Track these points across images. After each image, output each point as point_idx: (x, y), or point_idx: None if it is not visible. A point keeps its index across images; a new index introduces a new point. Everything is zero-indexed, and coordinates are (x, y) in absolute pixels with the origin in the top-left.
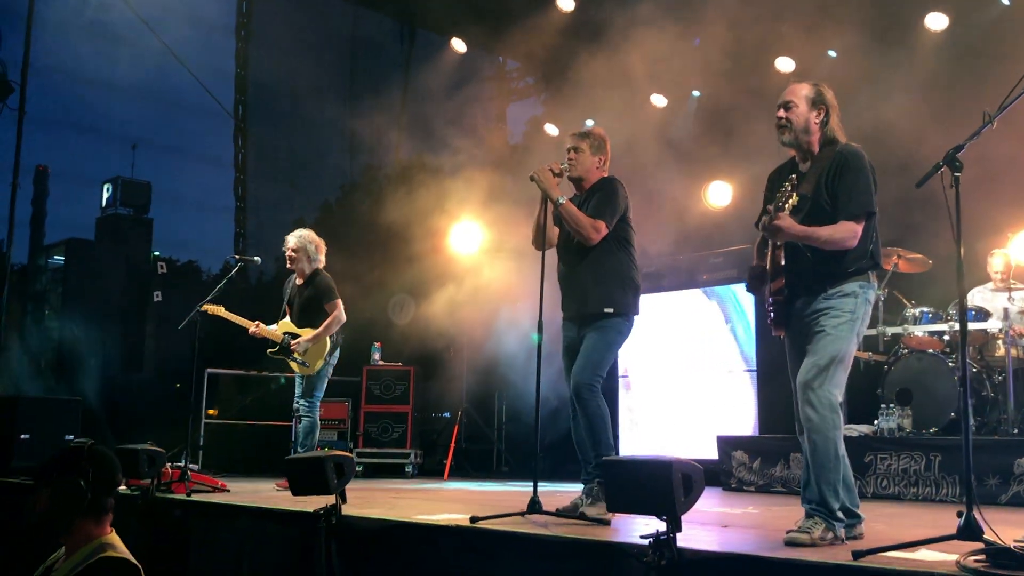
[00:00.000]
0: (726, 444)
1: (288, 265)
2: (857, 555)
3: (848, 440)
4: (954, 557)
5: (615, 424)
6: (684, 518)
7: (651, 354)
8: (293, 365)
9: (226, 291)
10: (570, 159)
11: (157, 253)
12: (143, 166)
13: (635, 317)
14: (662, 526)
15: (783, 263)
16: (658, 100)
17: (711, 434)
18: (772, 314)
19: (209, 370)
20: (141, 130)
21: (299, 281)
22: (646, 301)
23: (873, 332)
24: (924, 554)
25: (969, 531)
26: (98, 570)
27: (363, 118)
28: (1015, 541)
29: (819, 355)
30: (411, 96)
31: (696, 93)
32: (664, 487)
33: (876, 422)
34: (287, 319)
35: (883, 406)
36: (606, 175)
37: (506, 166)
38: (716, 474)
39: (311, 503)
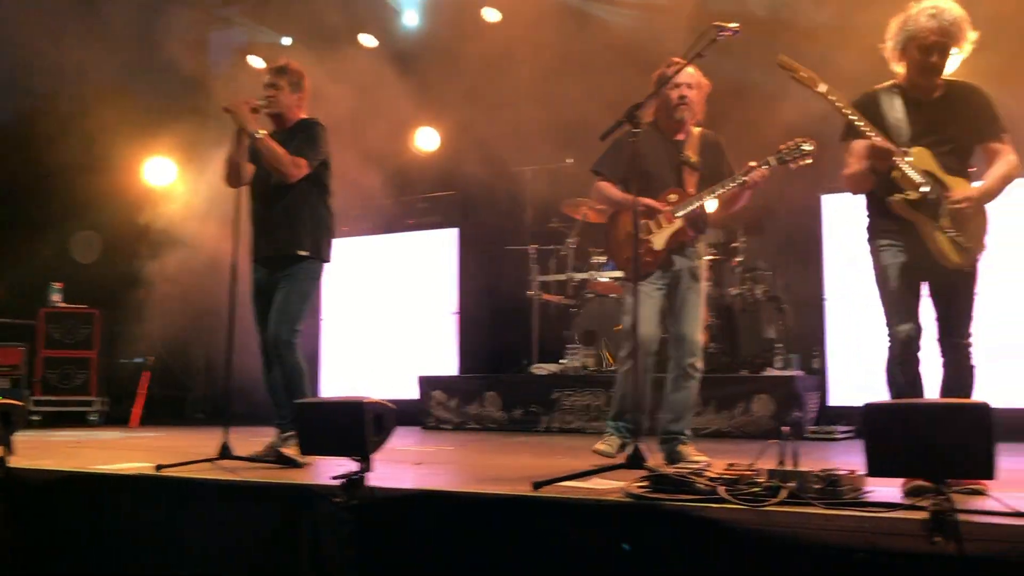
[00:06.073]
0: (426, 384)
1: None
2: (537, 485)
3: (536, 379)
4: (621, 484)
5: (317, 367)
6: (379, 458)
7: (356, 297)
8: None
9: None
10: (268, 96)
11: None
12: None
13: (326, 264)
14: (355, 466)
15: None
16: (367, 40)
17: (416, 375)
18: None
19: None
20: None
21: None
22: (352, 244)
23: (564, 277)
24: (596, 482)
25: (635, 460)
26: None
27: (42, 43)
28: (675, 468)
29: None
30: (99, 19)
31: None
32: (355, 428)
33: (562, 361)
34: None
35: (569, 346)
36: (306, 115)
37: (207, 98)
38: (417, 414)
39: None
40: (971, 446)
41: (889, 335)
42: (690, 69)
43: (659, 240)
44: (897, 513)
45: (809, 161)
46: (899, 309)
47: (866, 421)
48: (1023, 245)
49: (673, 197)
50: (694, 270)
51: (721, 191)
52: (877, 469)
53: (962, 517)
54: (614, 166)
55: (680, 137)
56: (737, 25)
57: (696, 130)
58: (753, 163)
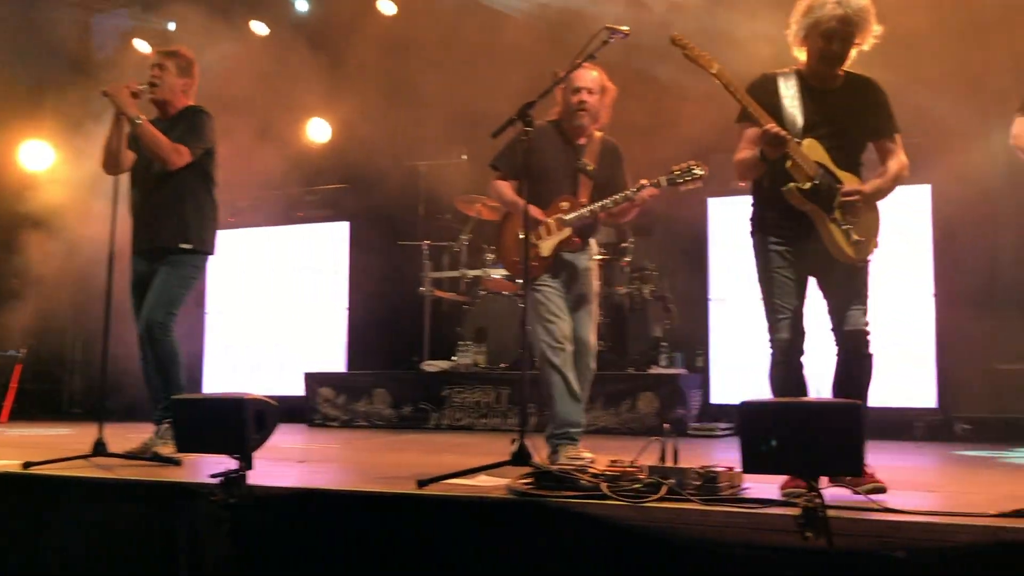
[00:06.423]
0: (313, 381)
1: None
2: (422, 483)
3: (427, 376)
4: (506, 481)
5: (200, 363)
6: (262, 456)
7: (242, 291)
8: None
9: None
10: (154, 76)
11: None
12: None
13: (210, 256)
14: (234, 464)
15: None
16: (258, 27)
17: (302, 371)
18: None
19: None
20: None
21: None
22: (239, 236)
23: (456, 274)
24: (482, 479)
25: (521, 457)
26: None
27: None
28: (559, 465)
29: None
30: None
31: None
32: (235, 425)
33: (453, 358)
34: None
35: (460, 343)
36: (192, 103)
37: (89, 81)
38: (303, 411)
39: None
40: (841, 444)
41: (771, 341)
42: (593, 73)
43: (546, 247)
44: (771, 509)
45: (700, 185)
46: (781, 317)
47: (742, 419)
48: (905, 249)
49: (565, 204)
50: (585, 273)
51: (610, 206)
52: (752, 466)
53: (832, 513)
54: (512, 163)
55: (581, 142)
56: (628, 28)
57: (597, 135)
58: (644, 181)
